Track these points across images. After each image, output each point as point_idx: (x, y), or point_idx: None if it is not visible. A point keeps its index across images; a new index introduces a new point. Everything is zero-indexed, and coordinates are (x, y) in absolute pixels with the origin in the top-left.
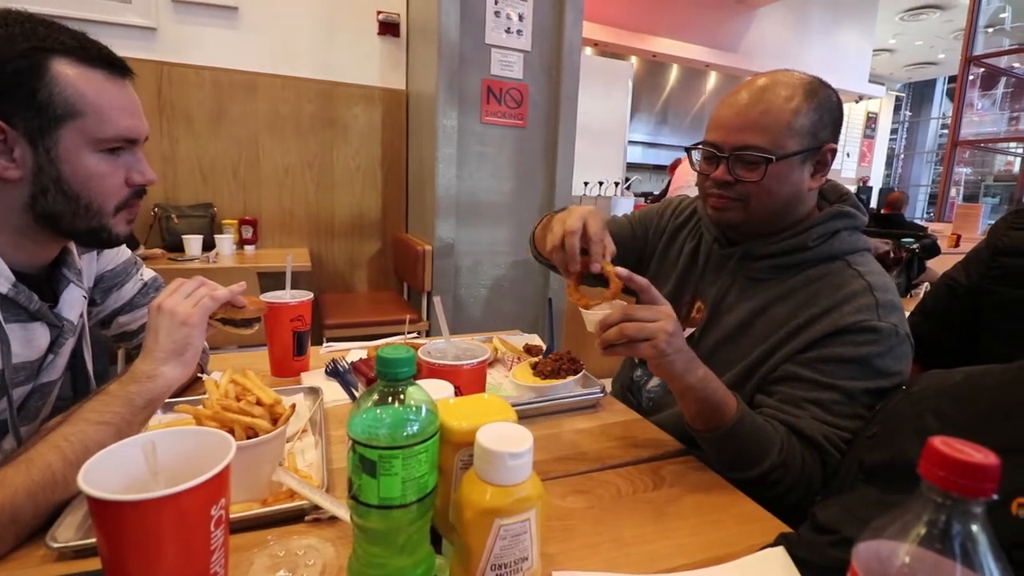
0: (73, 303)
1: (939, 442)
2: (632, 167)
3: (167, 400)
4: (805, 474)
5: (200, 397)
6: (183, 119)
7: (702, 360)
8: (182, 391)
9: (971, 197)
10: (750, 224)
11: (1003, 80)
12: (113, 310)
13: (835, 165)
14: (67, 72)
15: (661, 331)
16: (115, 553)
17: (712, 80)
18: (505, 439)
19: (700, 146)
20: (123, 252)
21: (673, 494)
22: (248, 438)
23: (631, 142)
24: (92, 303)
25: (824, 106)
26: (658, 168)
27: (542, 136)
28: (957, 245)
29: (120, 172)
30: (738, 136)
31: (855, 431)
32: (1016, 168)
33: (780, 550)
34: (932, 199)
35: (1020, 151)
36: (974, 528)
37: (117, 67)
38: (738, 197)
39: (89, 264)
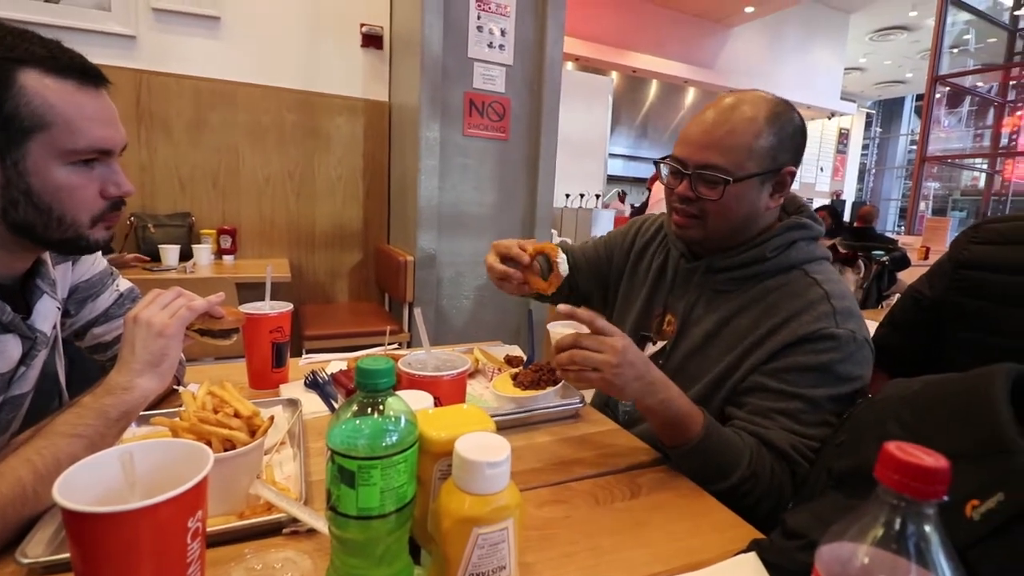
0: (46, 314)
1: (893, 447)
2: (613, 179)
3: (142, 412)
4: (775, 484)
5: (176, 409)
6: (161, 128)
7: (675, 371)
8: (157, 403)
9: (940, 211)
10: (710, 240)
11: (968, 99)
12: (87, 321)
13: (809, 179)
14: (35, 83)
15: (606, 364)
16: (90, 567)
17: (691, 95)
18: (483, 449)
19: (667, 160)
20: (99, 263)
21: (650, 502)
22: (226, 450)
23: (612, 155)
24: (66, 314)
25: (785, 130)
26: (638, 181)
27: (524, 149)
28: (927, 258)
29: (94, 184)
30: (702, 154)
31: (822, 439)
32: (981, 183)
33: (752, 556)
34: (903, 213)
35: (985, 167)
36: (927, 528)
37: (90, 76)
38: (698, 213)
39: (64, 275)
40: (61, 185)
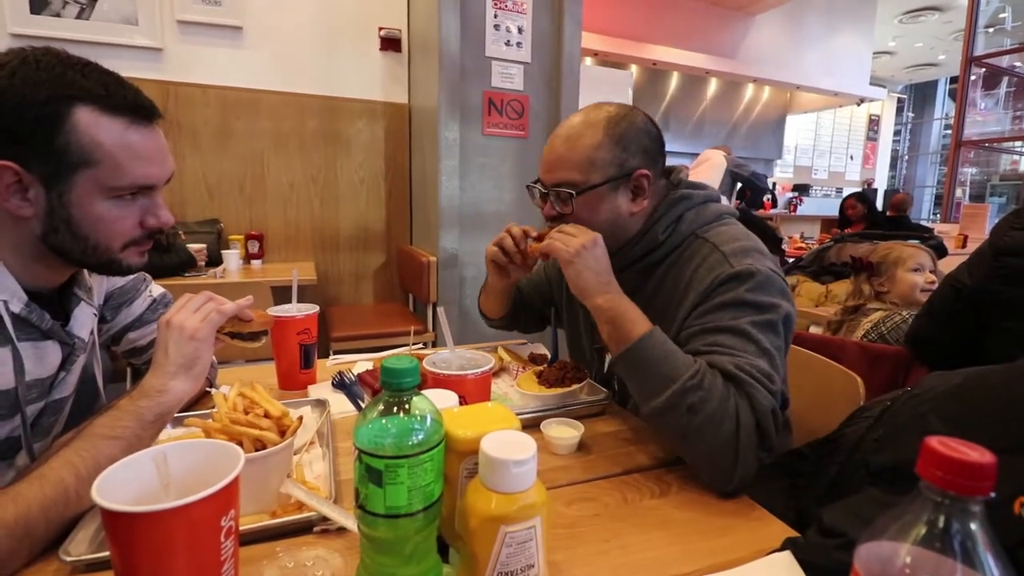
0: (84, 321)
1: (936, 442)
2: None
3: (176, 415)
4: (730, 407)
5: (209, 411)
6: (189, 137)
7: None
8: (191, 405)
9: (977, 197)
10: None
11: (1005, 80)
12: (123, 326)
13: (839, 168)
14: (87, 120)
15: (579, 244)
16: (128, 564)
17: (713, 86)
18: (509, 447)
19: (534, 185)
20: None
21: (679, 500)
22: (256, 450)
23: None
24: (102, 320)
25: (627, 137)
26: None
27: (543, 146)
28: (964, 246)
29: (134, 215)
30: (553, 174)
31: (767, 371)
32: (1022, 167)
33: (787, 555)
34: (938, 200)
35: None
36: (973, 527)
37: (142, 113)
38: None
39: (99, 282)
40: (101, 217)
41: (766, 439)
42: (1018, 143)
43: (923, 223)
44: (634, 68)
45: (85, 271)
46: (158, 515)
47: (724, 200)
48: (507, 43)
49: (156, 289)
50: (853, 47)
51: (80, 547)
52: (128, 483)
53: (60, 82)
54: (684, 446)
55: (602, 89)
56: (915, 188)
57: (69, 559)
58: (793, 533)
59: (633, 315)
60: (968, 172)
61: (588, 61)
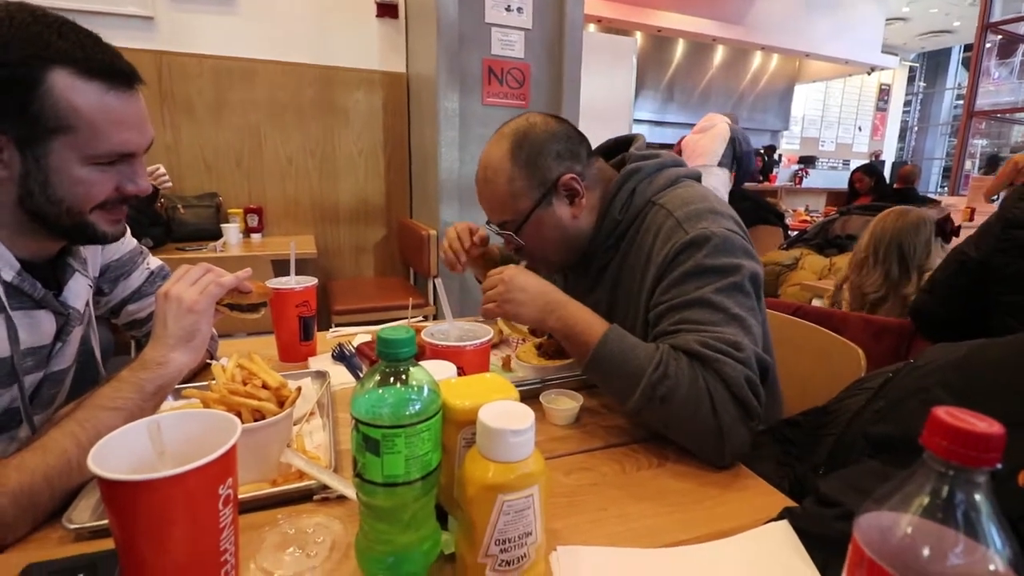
0: (79, 292)
1: (942, 412)
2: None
3: (177, 386)
4: (701, 387)
5: (208, 383)
6: (184, 108)
7: None
8: (192, 377)
9: (987, 169)
10: (562, 263)
11: (1021, 47)
12: (121, 299)
13: (847, 139)
14: (63, 84)
15: (498, 294)
16: (127, 532)
17: (719, 54)
18: (507, 417)
19: (487, 224)
20: (128, 242)
21: (676, 470)
22: (255, 420)
23: (637, 120)
24: (100, 292)
25: (534, 155)
26: (665, 147)
27: None
28: (971, 219)
29: (111, 181)
30: (492, 216)
31: (733, 340)
32: None
33: (784, 524)
34: (946, 172)
35: None
36: (977, 498)
37: (121, 77)
38: (530, 255)
39: (94, 254)
40: (79, 180)
41: (748, 409)
42: None
43: (930, 196)
44: (639, 35)
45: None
46: (154, 483)
47: (717, 171)
48: (507, 8)
49: (154, 261)
50: (866, 12)
51: (83, 515)
52: (124, 452)
53: (35, 42)
54: (670, 434)
55: (605, 57)
56: (923, 160)
57: (72, 526)
58: (790, 502)
59: (584, 325)
60: (978, 144)
61: (591, 28)
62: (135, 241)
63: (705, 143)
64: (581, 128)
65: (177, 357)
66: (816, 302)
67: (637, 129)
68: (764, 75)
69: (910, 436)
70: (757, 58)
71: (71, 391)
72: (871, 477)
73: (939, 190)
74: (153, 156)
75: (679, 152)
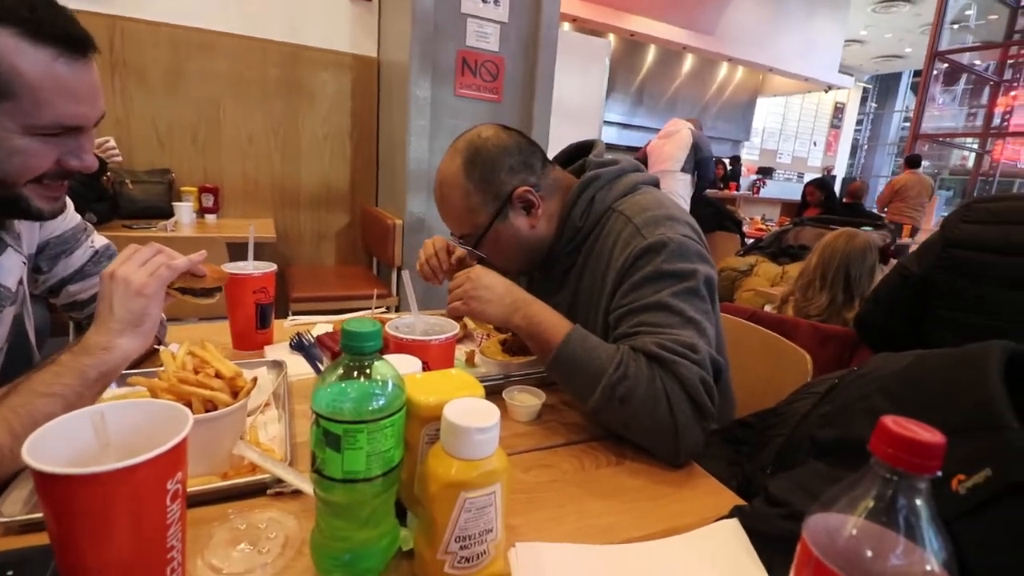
0: (11, 268)
1: (890, 421)
2: (606, 148)
3: (122, 372)
4: (658, 388)
5: (155, 369)
6: (136, 78)
7: None
8: (138, 363)
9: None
10: (523, 270)
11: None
12: (62, 278)
13: (802, 153)
14: (7, 47)
15: (464, 292)
16: (64, 529)
17: (688, 63)
18: (472, 414)
19: (451, 236)
20: (71, 218)
21: (633, 468)
22: (207, 411)
23: (606, 122)
24: (37, 271)
25: (487, 171)
26: (632, 150)
27: (517, 112)
28: (912, 236)
29: (52, 153)
30: (453, 228)
31: (690, 342)
32: (970, 163)
33: (734, 522)
34: None
35: (975, 147)
36: (918, 502)
37: (74, 44)
38: (495, 265)
39: (31, 229)
40: (15, 151)
41: (702, 409)
42: (969, 139)
43: (875, 211)
44: (612, 37)
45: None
46: (97, 478)
47: (680, 176)
48: (484, 0)
49: (99, 240)
50: (827, 32)
51: (14, 507)
52: (63, 443)
53: None
54: (628, 434)
55: (579, 57)
56: (871, 177)
57: (2, 519)
58: (740, 501)
59: (547, 325)
60: (921, 165)
61: (566, 27)
62: (79, 217)
63: (669, 149)
64: (551, 128)
65: (123, 343)
66: (768, 307)
67: (606, 131)
68: (729, 86)
69: (853, 440)
70: (724, 69)
71: (1, 375)
72: (817, 478)
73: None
74: (101, 128)
75: (645, 156)
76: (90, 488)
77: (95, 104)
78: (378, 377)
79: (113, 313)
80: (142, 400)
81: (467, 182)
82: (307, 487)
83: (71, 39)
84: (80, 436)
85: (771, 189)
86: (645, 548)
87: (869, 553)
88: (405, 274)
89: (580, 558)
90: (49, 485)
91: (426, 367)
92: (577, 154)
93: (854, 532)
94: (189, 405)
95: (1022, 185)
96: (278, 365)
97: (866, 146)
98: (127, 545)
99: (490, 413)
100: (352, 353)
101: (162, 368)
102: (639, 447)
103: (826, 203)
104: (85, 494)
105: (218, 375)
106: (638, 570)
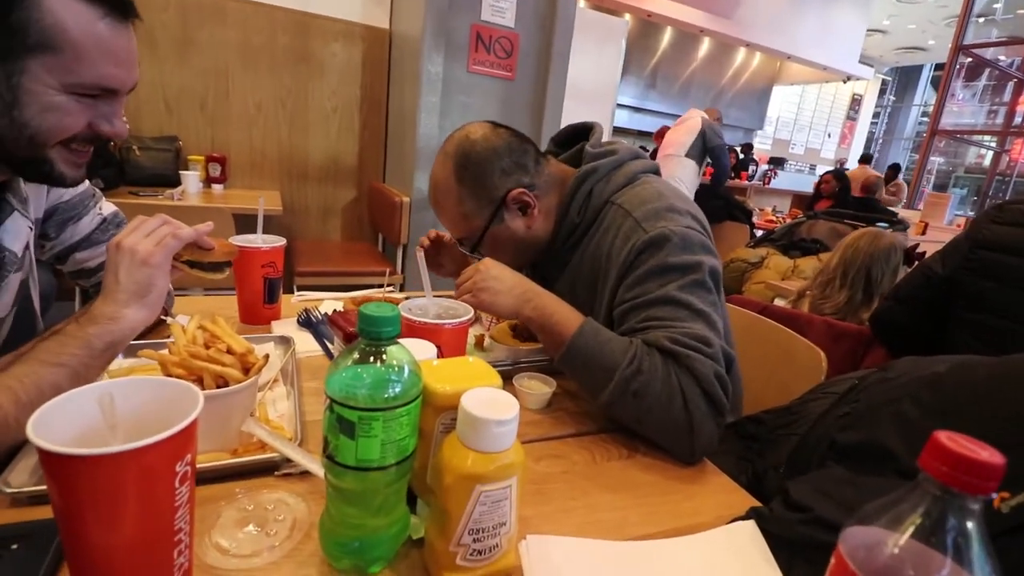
0: (17, 233)
1: (944, 437)
2: (618, 131)
3: (129, 343)
4: (673, 384)
5: (163, 341)
6: (145, 42)
7: None
8: (145, 334)
9: (941, 187)
10: (524, 266)
11: (986, 72)
12: (69, 245)
13: (815, 144)
14: (56, 1)
15: (473, 284)
16: (70, 507)
17: (704, 47)
18: (491, 405)
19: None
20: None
21: (645, 463)
22: (218, 387)
23: (618, 105)
24: (45, 237)
25: (479, 174)
26: (643, 134)
27: (530, 90)
28: (924, 233)
29: (85, 115)
30: (451, 231)
31: (703, 335)
32: (987, 161)
33: (751, 523)
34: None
35: (993, 145)
36: (969, 525)
37: (120, 7)
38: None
39: (38, 194)
40: (51, 107)
41: (717, 405)
42: (987, 137)
43: (890, 208)
44: (628, 17)
45: (20, 180)
46: (104, 459)
47: (686, 162)
48: None
49: (107, 207)
50: (849, 20)
51: (21, 477)
52: (70, 420)
53: None
54: (641, 429)
55: (594, 36)
56: (884, 172)
57: (9, 490)
58: (754, 501)
59: (560, 317)
60: (936, 161)
61: (581, 4)
62: (87, 183)
63: (676, 135)
64: (564, 109)
65: (130, 313)
66: (779, 302)
67: (617, 114)
68: (745, 72)
69: (878, 446)
70: (741, 55)
71: (7, 343)
72: (839, 484)
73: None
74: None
75: (658, 139)
76: (97, 469)
77: (132, 70)
78: (394, 363)
79: (119, 283)
80: (152, 378)
81: (460, 188)
82: (317, 469)
83: (116, 1)
84: (87, 414)
85: (782, 180)
86: (658, 546)
87: (912, 573)
88: (420, 254)
89: (591, 553)
90: (54, 464)
91: (439, 351)
92: (575, 137)
93: (896, 550)
94: (200, 380)
95: None
96: (286, 341)
97: (881, 140)
98: (134, 526)
99: (509, 405)
100: (370, 339)
101: (171, 340)
102: (651, 442)
103: (840, 195)
104: (91, 475)
105: (230, 351)
106: (651, 567)
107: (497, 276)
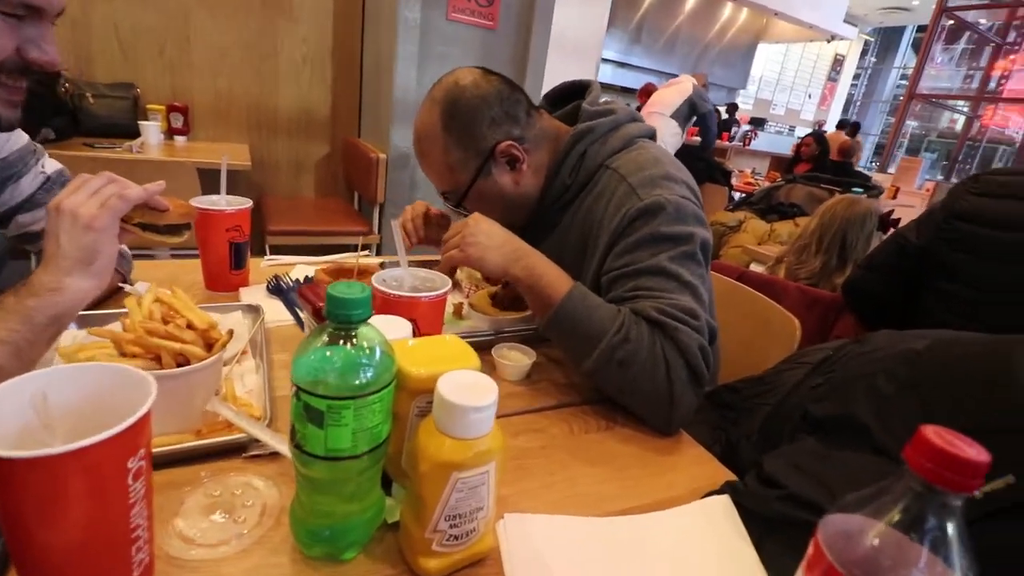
0: None
1: (931, 432)
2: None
3: (82, 313)
4: (657, 353)
5: (117, 312)
6: None
7: None
8: (100, 303)
9: (913, 151)
10: (512, 225)
11: (965, 36)
12: (10, 207)
13: (796, 105)
14: None
15: (461, 238)
16: (9, 511)
17: (691, 0)
18: (468, 390)
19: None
20: (17, 138)
21: (623, 434)
22: (178, 365)
23: (603, 60)
24: None
25: (467, 124)
26: (626, 91)
27: (512, 41)
28: (895, 197)
29: (12, 38)
30: (434, 184)
31: (690, 307)
32: (959, 127)
33: (725, 498)
34: (878, 149)
35: (966, 110)
36: (950, 521)
37: None
38: None
39: None
40: None
41: (699, 377)
42: (961, 102)
43: (861, 171)
44: None
45: None
46: (38, 461)
47: (670, 121)
48: None
49: (51, 164)
50: None
51: None
52: (4, 417)
53: None
54: (622, 398)
55: None
56: (861, 135)
57: None
58: (729, 473)
59: (549, 278)
60: (910, 125)
61: None
62: (27, 137)
63: (667, 94)
64: (548, 63)
65: (74, 283)
66: (755, 266)
67: (602, 69)
68: (731, 29)
69: (851, 420)
70: (727, 10)
71: None
72: (812, 458)
73: (870, 165)
74: (57, 30)
75: (642, 98)
76: (32, 473)
77: None
78: (366, 346)
79: (61, 249)
80: (93, 364)
81: (446, 136)
82: (286, 450)
83: None
84: (20, 411)
85: (761, 142)
86: (634, 521)
87: (887, 564)
88: (394, 223)
89: (569, 530)
90: None
91: (415, 325)
92: (571, 93)
93: (875, 541)
94: (158, 359)
95: (1005, 152)
96: (254, 310)
97: (860, 102)
98: (83, 528)
99: (487, 389)
100: (338, 322)
101: (125, 311)
102: (629, 411)
103: (819, 159)
104: (28, 478)
105: (190, 326)
106: (628, 543)
107: (487, 231)
